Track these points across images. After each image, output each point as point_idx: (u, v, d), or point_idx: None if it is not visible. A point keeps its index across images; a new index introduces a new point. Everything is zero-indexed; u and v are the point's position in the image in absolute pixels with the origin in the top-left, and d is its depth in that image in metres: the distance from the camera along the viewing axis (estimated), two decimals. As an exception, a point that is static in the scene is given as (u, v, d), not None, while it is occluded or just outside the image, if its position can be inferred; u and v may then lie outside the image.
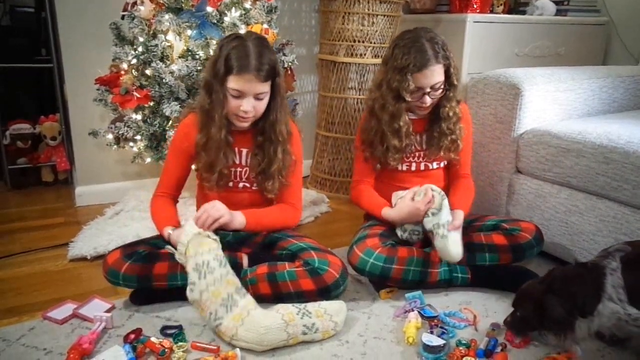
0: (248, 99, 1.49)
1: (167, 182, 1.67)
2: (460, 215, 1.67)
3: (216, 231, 1.66)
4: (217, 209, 1.52)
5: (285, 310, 1.38)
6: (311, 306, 1.41)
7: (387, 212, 1.71)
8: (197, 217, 1.49)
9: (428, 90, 1.65)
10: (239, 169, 1.64)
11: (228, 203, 1.64)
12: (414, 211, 1.64)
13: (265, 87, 1.51)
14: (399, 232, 1.70)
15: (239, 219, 1.58)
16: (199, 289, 1.39)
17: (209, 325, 1.41)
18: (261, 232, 1.66)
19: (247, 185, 1.66)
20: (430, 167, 1.81)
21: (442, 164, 1.83)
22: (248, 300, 1.41)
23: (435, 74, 1.63)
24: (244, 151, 1.63)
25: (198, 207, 1.63)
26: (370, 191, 1.81)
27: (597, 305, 1.24)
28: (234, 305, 1.38)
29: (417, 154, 1.79)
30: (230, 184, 1.65)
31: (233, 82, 1.48)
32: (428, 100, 1.67)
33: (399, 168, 1.78)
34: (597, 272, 1.26)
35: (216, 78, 1.50)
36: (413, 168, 1.80)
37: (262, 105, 1.54)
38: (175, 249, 1.48)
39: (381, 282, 1.63)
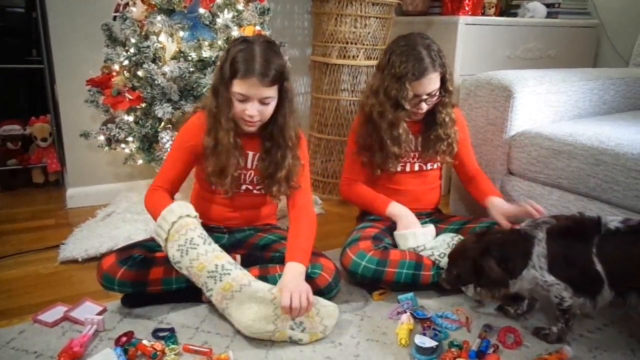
0: (253, 104, 1.47)
1: (166, 175, 1.60)
2: (500, 202, 1.73)
3: (210, 232, 1.65)
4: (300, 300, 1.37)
5: (279, 302, 1.37)
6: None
7: (393, 208, 1.75)
8: (293, 309, 1.36)
9: (425, 97, 1.66)
10: (244, 172, 1.62)
11: (230, 206, 1.64)
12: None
13: (271, 92, 1.48)
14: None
15: (300, 270, 1.47)
16: (185, 266, 1.41)
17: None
18: None
19: (250, 188, 1.64)
20: (425, 168, 1.83)
21: (435, 165, 1.85)
22: (243, 273, 1.40)
23: (433, 82, 1.64)
24: (250, 154, 1.61)
25: None
26: (367, 189, 1.81)
27: (523, 271, 1.38)
28: (224, 274, 1.38)
29: (412, 154, 1.81)
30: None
31: (238, 86, 1.46)
32: (424, 107, 1.69)
33: (394, 169, 1.79)
34: (527, 240, 1.40)
35: (222, 81, 1.48)
36: (408, 169, 1.82)
37: (269, 109, 1.51)
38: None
39: (374, 284, 1.63)
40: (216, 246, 1.47)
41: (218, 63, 1.55)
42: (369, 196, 1.80)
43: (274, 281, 1.48)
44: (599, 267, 1.31)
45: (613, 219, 1.35)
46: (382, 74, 1.69)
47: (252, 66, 1.42)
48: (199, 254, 1.41)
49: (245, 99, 1.47)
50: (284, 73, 1.49)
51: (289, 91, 1.54)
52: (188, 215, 1.48)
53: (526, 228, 1.43)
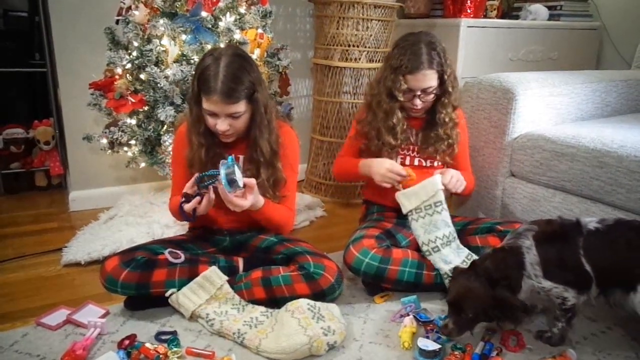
0: (223, 119, 1.48)
1: (177, 185, 1.65)
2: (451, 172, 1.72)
3: (211, 235, 1.65)
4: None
5: (301, 315, 1.38)
6: (323, 309, 1.42)
7: (363, 162, 1.77)
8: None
9: (419, 93, 1.69)
10: None
11: (223, 207, 1.63)
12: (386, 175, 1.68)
13: (239, 107, 1.48)
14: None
15: (260, 200, 1.56)
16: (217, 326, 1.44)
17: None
18: (264, 222, 1.64)
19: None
20: (425, 164, 1.83)
21: (435, 164, 1.85)
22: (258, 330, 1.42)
23: (427, 79, 1.66)
24: (241, 158, 1.62)
25: None
26: (351, 159, 1.86)
27: (521, 283, 1.36)
28: (242, 337, 1.39)
29: (411, 147, 1.82)
30: None
31: (205, 103, 1.48)
32: (418, 103, 1.71)
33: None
34: (515, 252, 1.38)
35: (193, 97, 1.51)
36: (407, 162, 1.83)
37: (240, 122, 1.52)
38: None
39: (376, 282, 1.63)
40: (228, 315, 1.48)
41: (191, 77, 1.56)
42: (351, 162, 1.83)
43: (277, 282, 1.48)
44: (587, 267, 1.32)
45: (590, 220, 1.38)
46: (385, 65, 1.76)
47: (215, 85, 1.43)
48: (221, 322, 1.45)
49: (214, 115, 1.49)
50: (251, 88, 1.48)
51: (261, 104, 1.53)
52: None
53: (509, 241, 1.42)
